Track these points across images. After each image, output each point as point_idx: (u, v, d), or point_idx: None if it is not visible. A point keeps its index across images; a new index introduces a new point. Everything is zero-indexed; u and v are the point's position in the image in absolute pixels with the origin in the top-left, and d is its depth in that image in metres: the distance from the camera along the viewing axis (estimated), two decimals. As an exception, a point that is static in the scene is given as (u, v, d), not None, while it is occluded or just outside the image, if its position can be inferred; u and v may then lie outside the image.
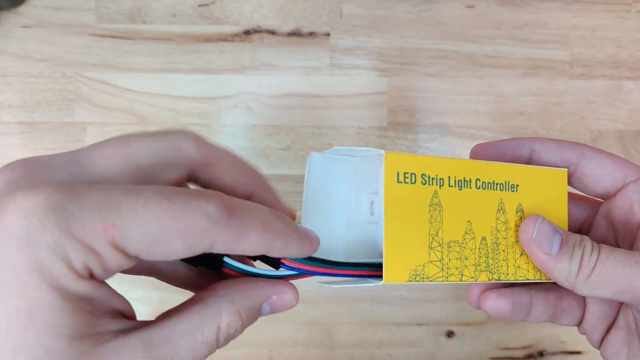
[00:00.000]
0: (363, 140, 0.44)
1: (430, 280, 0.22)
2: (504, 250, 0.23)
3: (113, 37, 0.44)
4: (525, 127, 0.44)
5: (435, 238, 0.22)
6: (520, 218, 0.24)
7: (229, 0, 0.44)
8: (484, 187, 0.23)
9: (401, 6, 0.44)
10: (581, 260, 0.23)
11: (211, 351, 0.18)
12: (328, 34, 0.44)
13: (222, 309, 0.18)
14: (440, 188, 0.22)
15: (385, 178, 0.21)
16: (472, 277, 0.23)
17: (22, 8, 0.44)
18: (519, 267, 0.24)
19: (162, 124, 0.44)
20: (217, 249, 0.16)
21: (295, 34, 0.44)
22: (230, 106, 0.44)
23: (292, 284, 0.22)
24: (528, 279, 0.24)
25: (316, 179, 0.23)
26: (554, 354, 0.44)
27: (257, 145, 0.44)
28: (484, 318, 0.44)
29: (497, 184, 0.23)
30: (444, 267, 0.22)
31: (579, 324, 0.27)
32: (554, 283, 0.25)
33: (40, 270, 0.14)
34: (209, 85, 0.44)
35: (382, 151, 0.21)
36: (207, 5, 0.44)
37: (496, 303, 0.25)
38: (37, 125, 0.44)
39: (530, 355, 0.44)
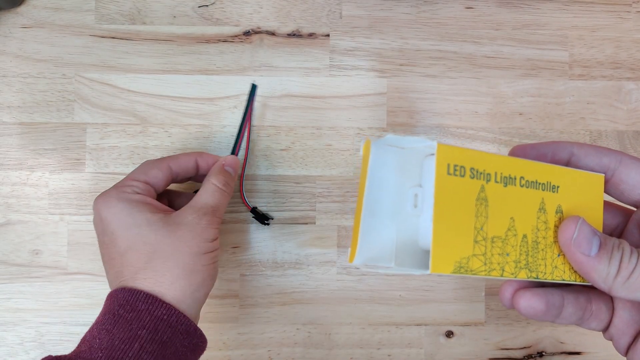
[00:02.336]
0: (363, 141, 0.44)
1: (474, 273, 0.22)
2: (542, 250, 0.24)
3: (113, 37, 0.44)
4: (524, 128, 0.44)
5: (480, 232, 0.22)
6: (560, 219, 0.24)
7: (228, 1, 0.44)
8: (527, 185, 0.23)
9: (400, 7, 0.44)
10: (620, 262, 0.23)
11: (223, 193, 0.36)
12: (327, 35, 0.44)
13: (209, 179, 0.36)
14: (487, 183, 0.22)
15: (437, 169, 0.21)
16: (513, 274, 0.23)
17: (22, 8, 0.44)
18: (555, 267, 0.24)
19: (162, 124, 0.44)
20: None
21: (294, 35, 0.44)
22: (230, 107, 0.44)
23: (231, 157, 0.39)
24: (564, 280, 0.24)
25: (373, 172, 0.23)
26: (553, 354, 0.44)
27: (257, 146, 0.44)
28: (483, 318, 0.44)
29: (539, 183, 0.24)
30: (486, 262, 0.22)
31: (606, 329, 0.27)
32: (585, 286, 0.25)
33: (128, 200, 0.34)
34: (209, 85, 0.44)
35: (435, 142, 0.21)
36: (207, 6, 0.44)
37: (530, 301, 0.25)
38: (37, 126, 0.44)
39: (529, 356, 0.44)
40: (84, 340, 0.32)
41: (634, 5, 0.45)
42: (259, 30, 0.44)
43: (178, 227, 0.32)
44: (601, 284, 0.23)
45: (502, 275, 0.23)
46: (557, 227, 0.24)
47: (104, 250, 0.34)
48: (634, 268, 0.23)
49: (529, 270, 0.23)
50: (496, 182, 0.22)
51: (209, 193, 0.35)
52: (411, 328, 0.44)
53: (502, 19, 0.44)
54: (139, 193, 0.34)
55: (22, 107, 0.44)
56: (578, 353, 0.44)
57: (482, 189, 0.22)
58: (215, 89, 0.44)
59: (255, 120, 0.44)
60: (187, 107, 0.44)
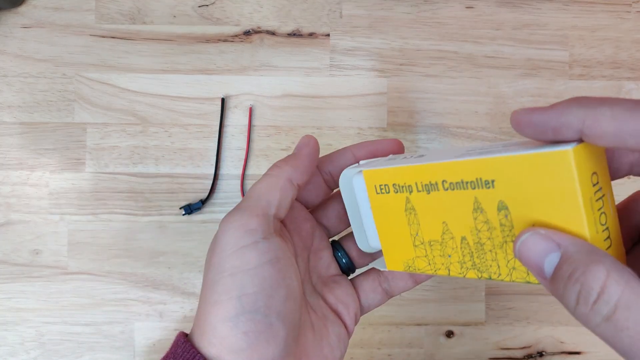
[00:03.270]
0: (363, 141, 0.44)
1: (422, 271, 0.24)
2: (490, 251, 0.22)
3: (113, 37, 0.44)
4: (524, 128, 0.44)
5: (417, 237, 0.24)
6: (506, 216, 0.21)
7: (229, 1, 0.44)
8: (452, 187, 0.22)
9: (401, 7, 0.44)
10: (579, 293, 0.16)
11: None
12: (328, 35, 0.44)
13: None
14: (410, 194, 0.24)
15: (368, 191, 0.25)
16: (460, 273, 0.23)
17: (22, 8, 0.44)
18: (514, 268, 0.21)
19: (162, 124, 0.44)
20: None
21: (295, 34, 0.44)
22: (230, 106, 0.44)
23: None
24: (529, 282, 0.21)
25: (345, 197, 0.28)
26: (553, 354, 0.44)
27: (257, 146, 0.44)
28: (483, 318, 0.44)
29: (466, 182, 0.21)
30: (430, 262, 0.24)
31: None
32: None
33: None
34: (209, 85, 0.44)
35: (362, 169, 0.25)
36: (207, 5, 0.44)
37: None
38: (37, 126, 0.44)
39: (529, 355, 0.44)
40: None
41: (634, 6, 0.45)
42: (259, 29, 0.44)
43: (214, 242, 0.24)
44: (571, 313, 0.17)
45: (449, 274, 0.23)
46: (504, 225, 0.21)
47: (206, 267, 0.25)
48: (612, 302, 0.15)
49: (478, 270, 0.23)
50: (418, 191, 0.23)
51: (252, 186, 0.26)
52: (411, 328, 0.44)
53: (502, 18, 0.44)
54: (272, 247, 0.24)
55: (22, 106, 0.44)
56: (578, 353, 0.44)
57: (408, 200, 0.24)
58: (215, 88, 0.44)
59: (256, 120, 0.44)
60: (187, 107, 0.44)
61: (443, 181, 0.22)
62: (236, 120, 0.44)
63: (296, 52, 0.44)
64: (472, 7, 0.44)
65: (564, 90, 0.44)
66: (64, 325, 0.43)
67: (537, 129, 0.18)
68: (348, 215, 0.28)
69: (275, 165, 0.25)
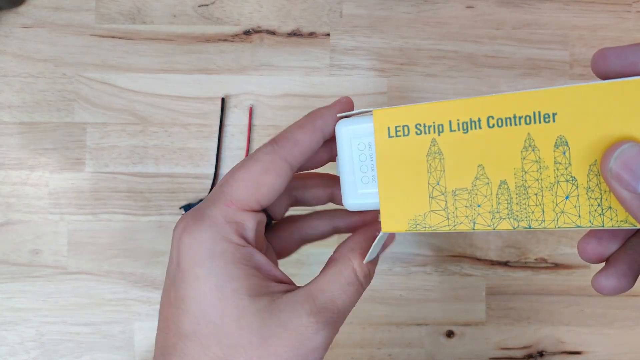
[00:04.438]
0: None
1: (434, 229, 0.21)
2: (536, 194, 0.20)
3: (113, 37, 0.44)
4: (525, 127, 0.44)
5: (437, 187, 0.21)
6: (564, 153, 0.19)
7: (229, 0, 0.44)
8: (499, 124, 0.20)
9: (401, 6, 0.44)
10: None
11: (359, 290, 0.23)
12: (328, 34, 0.44)
13: (349, 257, 0.23)
14: (439, 135, 0.21)
15: (375, 135, 0.22)
16: (490, 226, 0.21)
17: (22, 8, 0.44)
18: (562, 212, 0.20)
19: (162, 124, 0.44)
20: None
21: (295, 34, 0.44)
22: (230, 106, 0.44)
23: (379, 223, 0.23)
24: (579, 226, 0.19)
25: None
26: (553, 354, 0.44)
27: (257, 145, 0.44)
28: (484, 318, 0.44)
29: (519, 117, 0.19)
30: (449, 216, 0.21)
31: None
32: None
33: (217, 251, 0.20)
34: (209, 85, 0.44)
35: (372, 109, 0.22)
36: (207, 5, 0.44)
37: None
38: (37, 126, 0.44)
39: (530, 355, 0.44)
40: None
41: (634, 5, 0.45)
42: (259, 29, 0.44)
43: (280, 331, 0.20)
44: None
45: (473, 229, 0.21)
46: (561, 164, 0.19)
47: (165, 296, 0.22)
48: None
49: (514, 220, 0.20)
50: (452, 130, 0.21)
51: (342, 286, 0.22)
52: (411, 328, 0.44)
53: (502, 18, 0.44)
54: (240, 245, 0.21)
55: (22, 106, 0.43)
56: (578, 353, 0.44)
57: (434, 142, 0.21)
58: (216, 88, 0.44)
59: (256, 120, 0.44)
60: (187, 106, 0.44)
61: (489, 117, 0.20)
62: (236, 120, 0.44)
63: (296, 51, 0.44)
64: (472, 7, 0.44)
65: (565, 90, 0.44)
66: (64, 325, 0.43)
67: (627, 62, 0.18)
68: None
69: (366, 279, 0.24)
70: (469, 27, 0.44)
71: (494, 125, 0.20)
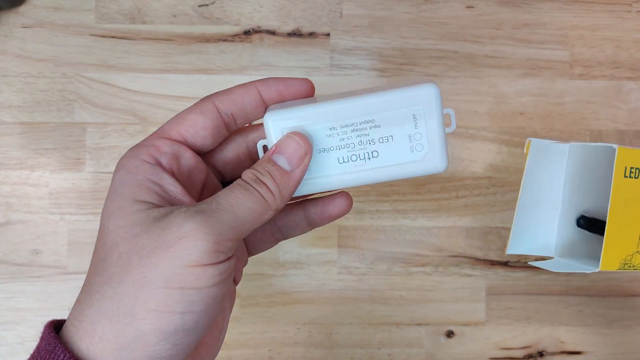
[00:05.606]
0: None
1: (636, 269, 0.22)
2: None
3: (113, 37, 0.44)
4: (525, 127, 0.44)
5: None
6: None
7: (229, 0, 0.44)
8: None
9: (401, 6, 0.44)
10: None
11: (258, 204, 0.21)
12: (328, 34, 0.44)
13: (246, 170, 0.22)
14: None
15: (615, 172, 0.22)
16: None
17: (22, 8, 0.44)
18: None
19: (162, 123, 0.44)
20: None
21: (295, 34, 0.44)
22: (230, 106, 0.44)
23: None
24: None
25: (530, 169, 0.25)
26: (553, 354, 0.44)
27: (257, 146, 0.44)
28: (484, 318, 0.44)
29: None
30: None
31: None
32: None
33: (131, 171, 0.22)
34: (209, 85, 0.44)
35: (616, 145, 0.22)
36: (207, 5, 0.44)
37: None
38: (37, 125, 0.44)
39: (530, 355, 0.44)
40: None
41: (634, 5, 0.45)
42: (259, 29, 0.44)
43: (162, 238, 0.20)
44: None
45: None
46: None
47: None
48: None
49: None
50: None
51: (232, 193, 0.21)
52: (411, 328, 0.44)
53: (502, 18, 0.44)
54: (151, 163, 0.22)
55: (22, 106, 0.44)
56: (578, 353, 0.44)
57: None
58: (216, 88, 0.43)
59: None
60: (187, 106, 0.44)
61: None
62: (236, 120, 0.44)
63: (296, 51, 0.44)
64: (472, 7, 0.44)
65: (565, 90, 0.44)
66: (64, 325, 0.43)
67: None
68: (520, 195, 0.25)
69: (266, 179, 0.22)
70: (469, 27, 0.44)
71: None
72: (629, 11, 0.45)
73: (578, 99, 0.44)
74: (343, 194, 0.26)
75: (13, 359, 0.43)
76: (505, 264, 0.44)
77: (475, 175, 0.44)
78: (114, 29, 0.44)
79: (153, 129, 0.43)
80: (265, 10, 0.44)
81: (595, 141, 0.44)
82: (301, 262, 0.44)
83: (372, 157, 0.23)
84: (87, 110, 0.44)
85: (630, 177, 0.22)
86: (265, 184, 0.21)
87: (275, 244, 0.27)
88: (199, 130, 0.23)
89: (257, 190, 0.21)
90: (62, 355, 0.19)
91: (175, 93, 0.44)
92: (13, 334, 0.43)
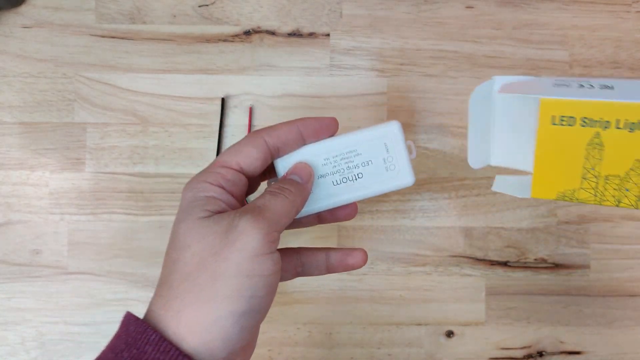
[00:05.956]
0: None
1: (581, 201, 0.25)
2: None
3: (113, 37, 0.44)
4: (524, 128, 0.44)
5: (591, 171, 0.24)
6: None
7: (229, 0, 0.44)
8: None
9: (401, 7, 0.44)
10: None
11: (279, 199, 0.27)
12: (328, 35, 0.44)
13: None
14: (604, 130, 0.23)
15: (540, 119, 0.25)
16: (633, 205, 0.24)
17: (22, 8, 0.44)
18: None
19: (162, 124, 0.44)
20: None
21: (295, 34, 0.44)
22: (230, 106, 0.44)
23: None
24: None
25: (473, 108, 0.30)
26: (553, 354, 0.44)
27: (257, 146, 0.44)
28: (484, 318, 0.44)
29: None
30: (597, 194, 0.24)
31: None
32: None
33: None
34: (209, 85, 0.44)
35: (539, 97, 0.25)
36: (207, 5, 0.44)
37: None
38: (37, 126, 0.44)
39: (529, 355, 0.44)
40: None
41: (634, 5, 0.45)
42: (259, 29, 0.44)
43: (227, 236, 0.25)
44: None
45: (617, 205, 0.24)
46: None
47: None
48: None
49: None
50: (618, 128, 0.23)
51: (265, 198, 0.27)
52: (411, 328, 0.44)
53: (502, 18, 0.44)
54: (216, 185, 0.27)
55: (22, 106, 0.44)
56: (578, 353, 0.44)
57: (597, 135, 0.24)
58: (216, 88, 0.44)
59: (256, 120, 0.44)
60: (187, 106, 0.44)
61: None
62: (236, 120, 0.44)
63: (296, 52, 0.44)
64: (472, 7, 0.44)
65: (564, 90, 0.44)
66: (64, 325, 0.43)
67: None
68: (469, 131, 0.30)
69: (288, 192, 0.28)
70: (468, 27, 0.44)
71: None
72: (628, 11, 0.45)
73: (578, 99, 0.44)
74: (361, 250, 0.32)
75: (13, 359, 0.43)
76: (505, 264, 0.44)
77: (475, 175, 0.44)
78: (114, 29, 0.44)
79: (153, 129, 0.43)
80: (265, 10, 0.44)
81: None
82: (301, 262, 0.44)
83: (358, 177, 0.30)
84: (87, 110, 0.44)
85: (562, 124, 0.25)
86: (287, 189, 0.28)
87: (294, 277, 0.32)
88: (253, 161, 0.28)
89: (282, 194, 0.27)
90: (152, 335, 0.24)
91: (175, 93, 0.44)
92: (13, 334, 0.43)
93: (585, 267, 0.44)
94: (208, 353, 0.24)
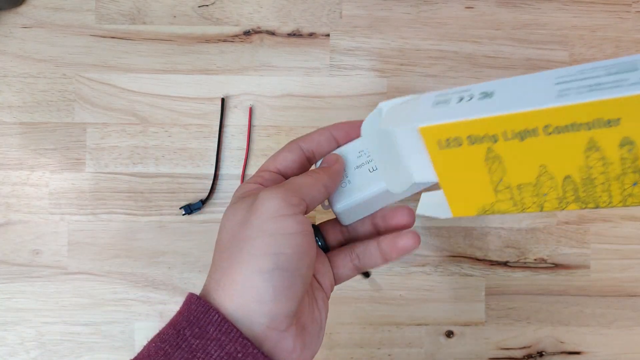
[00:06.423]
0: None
1: (505, 212, 0.24)
2: (602, 183, 0.21)
3: (113, 37, 0.44)
4: (524, 128, 0.44)
5: (500, 183, 0.23)
6: (630, 150, 0.20)
7: (228, 1, 0.44)
8: (558, 131, 0.21)
9: (400, 7, 0.44)
10: None
11: (309, 178, 0.28)
12: (328, 35, 0.44)
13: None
14: (494, 143, 0.22)
15: (428, 148, 0.24)
16: (558, 207, 0.23)
17: (22, 8, 0.44)
18: (630, 195, 0.21)
19: (162, 124, 0.44)
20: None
21: (295, 34, 0.44)
22: (230, 106, 0.44)
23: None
24: None
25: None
26: (553, 354, 0.44)
27: (257, 146, 0.44)
28: (484, 318, 0.44)
29: (580, 124, 0.20)
30: (517, 203, 0.23)
31: None
32: None
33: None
34: (209, 85, 0.44)
35: (418, 126, 0.24)
36: (207, 6, 0.44)
37: None
38: (37, 126, 0.44)
39: (529, 356, 0.44)
40: (141, 354, 0.26)
41: (634, 5, 0.45)
42: (259, 30, 0.44)
43: (252, 207, 0.26)
44: None
45: (542, 210, 0.23)
46: (625, 159, 0.21)
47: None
48: None
49: (581, 202, 0.22)
50: (507, 139, 0.22)
51: (295, 177, 0.29)
52: (411, 328, 0.44)
53: (502, 18, 0.44)
54: (254, 182, 0.30)
55: (22, 107, 0.44)
56: (578, 353, 0.44)
57: (490, 150, 0.23)
58: (216, 88, 0.44)
59: (256, 120, 0.44)
60: (187, 107, 0.44)
61: (546, 126, 0.21)
62: (236, 120, 0.44)
63: (296, 52, 0.44)
64: (472, 7, 0.44)
65: (564, 90, 0.44)
66: (64, 325, 0.43)
67: None
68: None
69: (314, 171, 0.29)
70: (468, 28, 0.44)
71: (552, 132, 0.21)
72: (628, 11, 0.45)
73: (578, 99, 0.44)
74: (412, 231, 0.31)
75: (13, 359, 0.43)
76: (505, 264, 0.44)
77: (475, 176, 0.44)
78: (114, 30, 0.44)
79: (153, 129, 0.43)
80: (265, 10, 0.44)
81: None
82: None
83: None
84: (87, 110, 0.44)
85: (449, 147, 0.23)
86: (314, 171, 0.29)
87: (356, 273, 0.32)
88: (290, 163, 0.30)
89: (308, 173, 0.29)
90: (215, 316, 0.25)
91: (175, 93, 0.44)
92: (13, 334, 0.43)
93: (585, 267, 0.44)
94: (247, 317, 0.25)
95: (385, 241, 0.31)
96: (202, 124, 0.44)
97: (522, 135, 0.22)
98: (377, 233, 0.32)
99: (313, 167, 0.32)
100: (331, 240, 0.33)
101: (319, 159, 0.32)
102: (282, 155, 0.31)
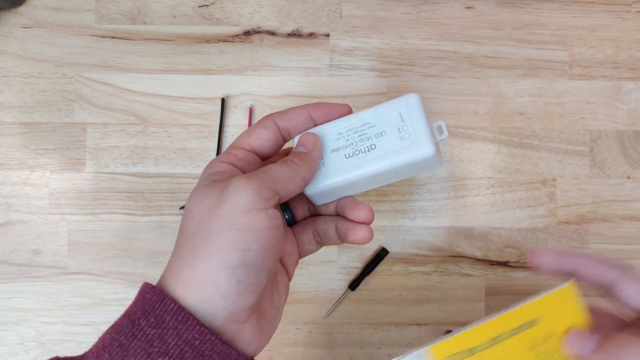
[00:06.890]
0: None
1: None
2: None
3: (113, 37, 0.44)
4: (524, 128, 0.44)
5: None
6: (556, 341, 0.27)
7: (229, 1, 0.44)
8: (509, 335, 0.27)
9: (400, 7, 0.44)
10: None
11: (284, 168, 0.28)
12: (328, 35, 0.44)
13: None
14: (473, 356, 0.27)
15: None
16: None
17: (22, 8, 0.44)
18: None
19: (162, 124, 0.44)
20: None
21: (294, 34, 0.44)
22: (230, 106, 0.44)
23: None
24: None
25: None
26: (553, 354, 0.44)
27: (256, 146, 0.44)
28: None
29: (519, 327, 0.27)
30: None
31: None
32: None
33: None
34: (209, 85, 0.44)
35: (428, 347, 0.26)
36: (207, 6, 0.44)
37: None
38: (37, 126, 0.44)
39: (529, 355, 0.44)
40: (96, 346, 0.25)
41: (634, 6, 0.45)
42: (259, 30, 0.44)
43: (222, 195, 0.25)
44: None
45: None
46: (555, 348, 0.27)
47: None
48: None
49: None
50: (483, 349, 0.27)
51: (270, 165, 0.28)
52: (411, 328, 0.44)
53: (502, 18, 0.44)
54: (226, 162, 0.28)
55: (22, 107, 0.44)
56: (578, 353, 0.44)
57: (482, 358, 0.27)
58: (215, 88, 0.44)
59: (256, 120, 0.44)
60: (187, 107, 0.44)
61: (501, 334, 0.27)
62: (236, 120, 0.44)
63: (296, 52, 0.44)
64: (471, 7, 0.45)
65: (564, 90, 0.44)
66: (64, 325, 0.43)
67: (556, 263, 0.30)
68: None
69: (292, 162, 0.28)
70: (468, 28, 0.44)
71: (507, 337, 0.27)
72: (628, 11, 0.45)
73: (577, 99, 0.44)
74: (364, 227, 0.31)
75: (13, 359, 0.43)
76: (504, 264, 0.44)
77: (475, 175, 0.44)
78: (114, 30, 0.44)
79: (153, 129, 0.43)
80: (265, 11, 0.44)
81: (595, 142, 0.44)
82: (301, 262, 0.43)
83: (371, 149, 0.29)
84: (87, 110, 0.44)
85: None
86: (292, 160, 0.28)
87: (319, 248, 0.33)
88: (264, 141, 0.29)
89: (284, 163, 0.28)
90: (171, 305, 0.24)
91: (175, 93, 0.44)
92: (13, 334, 0.43)
93: (585, 267, 0.44)
94: (208, 310, 0.24)
95: (343, 228, 0.31)
96: (202, 124, 0.44)
97: (493, 341, 0.27)
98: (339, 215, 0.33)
99: (290, 143, 0.31)
100: (298, 215, 0.33)
101: (294, 136, 0.31)
102: (256, 131, 0.29)
